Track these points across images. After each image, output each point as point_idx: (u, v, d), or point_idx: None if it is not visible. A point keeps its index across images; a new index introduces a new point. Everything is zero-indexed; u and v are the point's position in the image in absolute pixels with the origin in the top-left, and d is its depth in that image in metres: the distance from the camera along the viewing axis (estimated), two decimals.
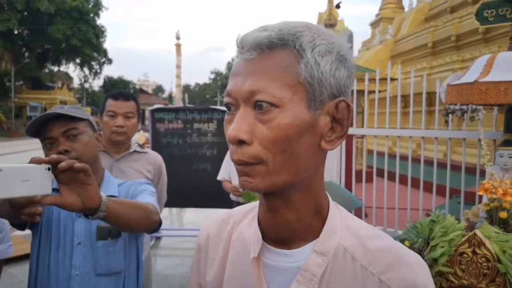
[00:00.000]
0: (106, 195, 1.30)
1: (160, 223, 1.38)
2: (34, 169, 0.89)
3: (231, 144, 0.60)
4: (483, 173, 2.90)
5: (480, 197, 2.75)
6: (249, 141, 0.58)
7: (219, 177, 3.42)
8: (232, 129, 0.58)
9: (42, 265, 1.33)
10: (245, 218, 0.75)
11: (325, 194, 0.68)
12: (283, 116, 0.57)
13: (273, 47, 0.59)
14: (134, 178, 1.72)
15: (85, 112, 1.39)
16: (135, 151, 2.13)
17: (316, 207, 0.66)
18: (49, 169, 0.91)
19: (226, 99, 0.62)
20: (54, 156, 0.93)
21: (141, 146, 2.21)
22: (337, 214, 0.68)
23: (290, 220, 0.64)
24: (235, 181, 3.24)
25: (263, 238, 0.68)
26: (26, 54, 31.42)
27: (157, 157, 2.25)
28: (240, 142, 0.58)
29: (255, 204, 0.74)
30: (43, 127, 1.31)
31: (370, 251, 0.63)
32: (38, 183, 0.89)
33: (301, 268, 0.64)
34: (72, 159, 0.96)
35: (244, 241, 0.71)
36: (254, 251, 0.67)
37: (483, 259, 2.00)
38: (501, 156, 2.69)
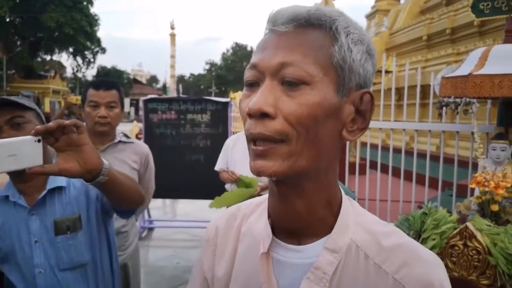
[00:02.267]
0: (52, 187, 1.28)
1: (144, 199, 1.36)
2: (21, 143, 0.87)
3: (250, 117, 0.56)
4: (475, 166, 2.91)
5: (472, 189, 2.76)
6: (274, 115, 0.55)
7: (216, 168, 3.39)
8: (255, 102, 0.55)
9: (6, 271, 1.30)
10: (254, 212, 0.73)
11: (338, 188, 0.66)
12: (313, 93, 0.55)
13: (309, 24, 0.58)
14: (119, 169, 1.69)
15: (33, 103, 1.32)
16: (120, 141, 2.07)
17: (328, 200, 0.63)
18: (39, 140, 0.89)
19: (249, 73, 0.59)
20: (39, 127, 0.89)
21: (127, 135, 2.15)
22: (350, 209, 0.66)
23: (301, 211, 0.62)
24: (234, 170, 3.19)
25: (273, 231, 0.66)
26: (18, 42, 30.99)
27: (143, 147, 2.21)
28: (263, 116, 0.55)
29: (265, 197, 0.71)
30: None
31: (384, 248, 0.61)
32: (27, 156, 0.87)
33: (312, 265, 0.61)
34: (60, 119, 0.93)
35: (254, 235, 0.69)
36: (264, 246, 0.65)
37: (474, 251, 2.01)
38: (494, 149, 2.69)
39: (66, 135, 0.93)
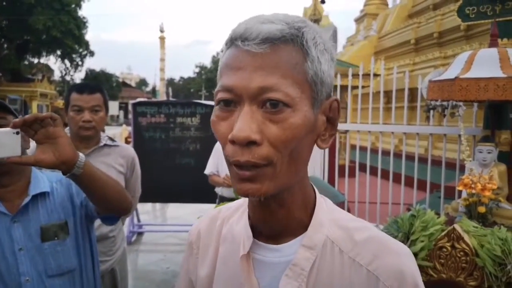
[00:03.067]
0: (35, 193, 1.27)
1: (131, 205, 1.35)
2: (0, 134, 0.94)
3: (234, 144, 0.55)
4: (463, 168, 2.94)
5: (460, 191, 2.80)
6: (260, 142, 0.55)
7: (206, 171, 3.37)
8: (241, 129, 0.54)
9: None
10: (234, 214, 0.74)
11: (311, 187, 0.68)
12: (295, 116, 0.55)
13: (282, 42, 0.55)
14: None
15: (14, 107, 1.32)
16: (105, 144, 2.04)
17: (304, 201, 0.66)
18: (17, 133, 0.95)
19: (224, 95, 0.57)
20: (16, 120, 0.95)
21: (112, 139, 2.12)
22: (324, 207, 0.68)
23: (281, 216, 0.64)
24: (224, 174, 3.19)
25: (253, 233, 0.68)
26: (5, 45, 30.58)
27: (129, 150, 2.18)
28: (250, 143, 0.54)
29: (245, 200, 0.72)
30: None
31: (357, 242, 0.64)
32: (6, 146, 0.94)
33: (290, 263, 0.63)
34: (36, 113, 0.98)
35: (234, 237, 0.71)
36: (244, 248, 0.67)
37: (461, 253, 2.03)
38: (480, 152, 2.73)
39: (44, 128, 0.99)
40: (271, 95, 0.54)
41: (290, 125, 0.55)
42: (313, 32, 0.58)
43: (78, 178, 1.09)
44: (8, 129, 0.94)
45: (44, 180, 1.36)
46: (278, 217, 0.64)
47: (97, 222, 1.48)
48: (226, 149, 0.57)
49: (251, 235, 0.67)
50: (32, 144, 1.17)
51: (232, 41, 0.58)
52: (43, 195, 1.31)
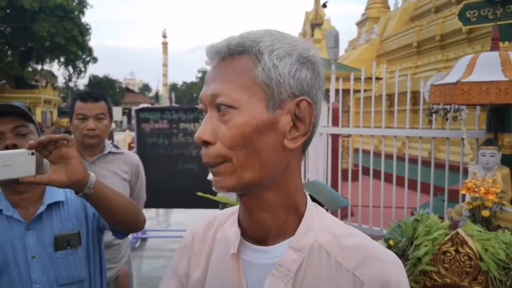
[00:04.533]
0: (50, 202, 1.30)
1: (144, 223, 1.37)
2: (16, 155, 0.98)
3: (201, 146, 0.64)
4: (466, 171, 2.94)
5: (464, 195, 2.79)
6: (212, 141, 0.63)
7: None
8: (198, 131, 0.64)
9: None
10: (229, 219, 0.77)
11: (303, 194, 0.71)
12: (240, 116, 0.62)
13: (232, 54, 0.64)
14: (110, 181, 1.68)
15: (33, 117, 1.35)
16: (110, 152, 2.05)
17: (292, 205, 0.68)
18: (32, 153, 0.99)
19: (199, 105, 0.68)
20: (32, 142, 0.99)
21: (116, 146, 2.13)
22: (315, 213, 0.70)
23: (265, 218, 0.67)
24: None
25: (243, 237, 0.71)
26: (9, 52, 30.80)
27: (133, 157, 2.19)
28: (205, 143, 0.63)
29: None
30: None
31: (345, 248, 0.66)
32: (20, 166, 0.97)
33: (277, 263, 0.66)
34: (50, 134, 1.01)
35: (227, 240, 0.73)
36: (234, 247, 0.70)
37: (465, 257, 2.03)
38: (483, 155, 2.73)
39: (58, 149, 1.03)
40: (218, 100, 0.62)
41: (234, 124, 0.61)
42: (272, 40, 0.63)
43: (90, 197, 1.11)
44: (23, 150, 0.98)
45: (59, 189, 1.37)
46: (260, 218, 0.67)
47: None
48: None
49: (239, 235, 0.70)
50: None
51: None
52: (57, 204, 1.33)
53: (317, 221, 0.69)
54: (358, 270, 0.63)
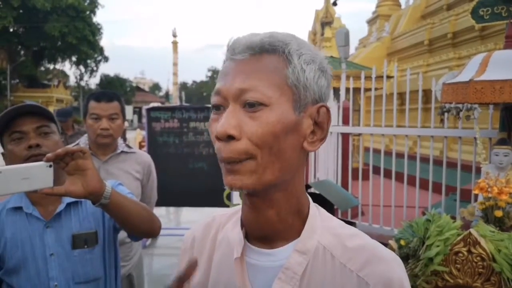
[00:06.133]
0: (69, 200, 1.33)
1: (159, 229, 1.39)
2: (34, 168, 0.99)
3: (219, 140, 0.62)
4: (479, 171, 2.90)
5: (476, 195, 2.76)
6: (238, 137, 0.61)
7: None
8: (221, 125, 0.61)
9: (14, 283, 1.30)
10: (229, 221, 0.77)
11: (306, 196, 0.72)
12: (272, 113, 0.61)
13: (264, 51, 0.63)
14: (122, 180, 1.71)
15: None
16: (122, 151, 2.09)
17: (297, 207, 0.69)
18: (50, 166, 1.00)
19: (214, 99, 0.65)
20: (49, 154, 1.00)
21: (129, 146, 2.17)
22: (317, 215, 0.71)
23: (272, 219, 0.67)
24: None
25: (247, 238, 0.70)
26: (22, 52, 31.26)
27: (145, 157, 2.22)
28: (229, 138, 0.61)
29: (239, 207, 0.76)
30: (11, 122, 1.27)
31: (349, 249, 0.67)
32: (39, 179, 0.99)
33: (283, 267, 0.66)
34: (68, 147, 1.04)
35: (229, 243, 0.73)
36: (237, 251, 0.69)
37: (478, 258, 2.00)
38: (497, 155, 2.69)
39: (74, 161, 1.05)
40: (249, 95, 0.61)
41: (266, 121, 0.61)
42: (299, 45, 0.65)
43: (106, 207, 1.14)
44: (42, 162, 1.00)
45: None
46: (267, 219, 0.67)
47: None
48: (215, 146, 0.64)
49: (243, 239, 0.70)
50: None
51: (226, 54, 0.67)
52: (76, 203, 1.35)
53: (319, 222, 0.70)
54: (362, 271, 0.64)
